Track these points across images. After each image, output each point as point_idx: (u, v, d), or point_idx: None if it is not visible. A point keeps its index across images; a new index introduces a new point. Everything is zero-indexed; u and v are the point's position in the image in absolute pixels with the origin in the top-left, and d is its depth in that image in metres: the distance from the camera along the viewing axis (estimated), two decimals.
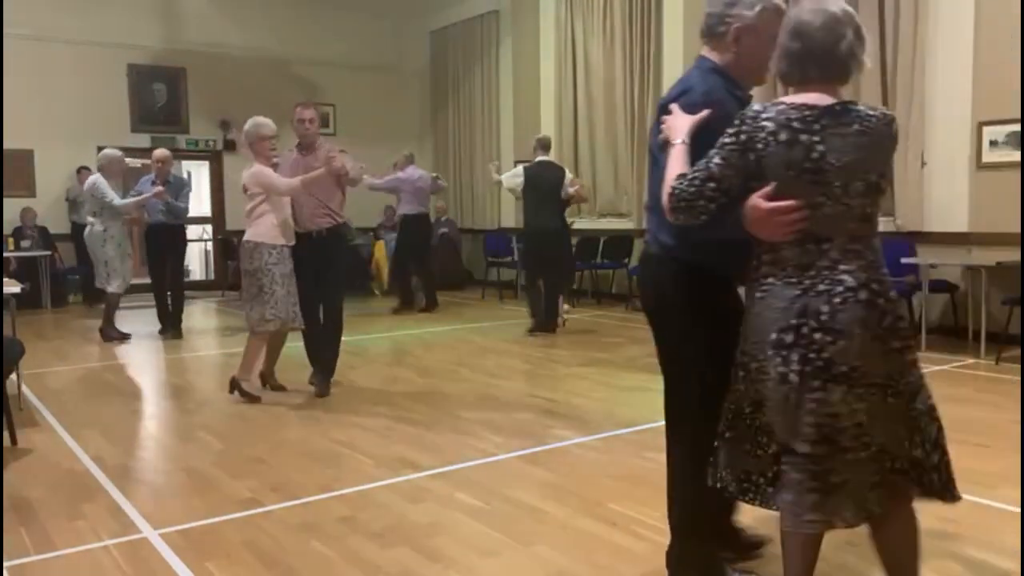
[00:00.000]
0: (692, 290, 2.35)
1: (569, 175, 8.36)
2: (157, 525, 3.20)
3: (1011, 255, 6.20)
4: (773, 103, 2.09)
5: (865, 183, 2.02)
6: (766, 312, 2.10)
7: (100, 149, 11.59)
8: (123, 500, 3.50)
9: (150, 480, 3.84)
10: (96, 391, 5.81)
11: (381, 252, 11.81)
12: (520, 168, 8.28)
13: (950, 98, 7.12)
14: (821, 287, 2.03)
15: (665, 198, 2.15)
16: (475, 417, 4.85)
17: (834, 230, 2.04)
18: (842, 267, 2.03)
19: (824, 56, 2.05)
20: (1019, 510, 3.17)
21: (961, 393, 5.31)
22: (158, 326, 8.28)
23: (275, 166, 5.34)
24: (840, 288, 2.02)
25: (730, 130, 2.09)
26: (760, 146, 2.05)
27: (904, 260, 6.93)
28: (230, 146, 12.41)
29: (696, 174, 2.12)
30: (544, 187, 7.98)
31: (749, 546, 2.77)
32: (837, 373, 2.01)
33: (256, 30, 12.36)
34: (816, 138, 2.01)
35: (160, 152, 8.15)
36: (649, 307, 2.55)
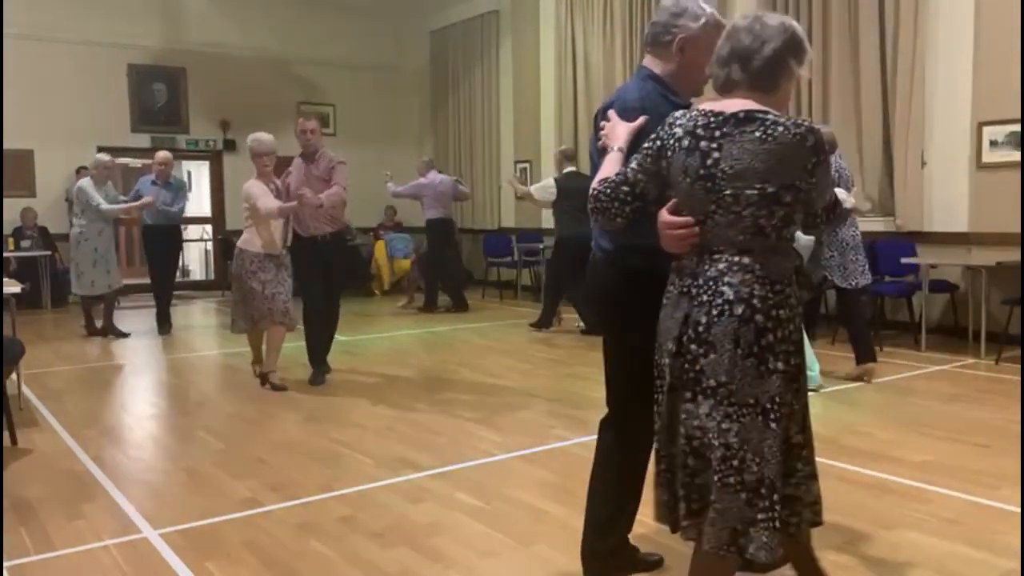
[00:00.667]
0: (628, 291, 2.37)
1: None
2: (157, 525, 3.20)
3: (1011, 255, 6.21)
4: (691, 109, 2.09)
5: (760, 193, 1.94)
6: (665, 321, 2.10)
7: (100, 149, 11.62)
8: (123, 500, 3.49)
9: (150, 480, 3.84)
10: (96, 391, 5.81)
11: (381, 252, 11.81)
12: (551, 180, 8.34)
13: (950, 98, 7.12)
14: (704, 298, 2.00)
15: (589, 201, 2.18)
16: (475, 417, 4.85)
17: (724, 241, 2.00)
18: (726, 279, 1.98)
19: (747, 59, 2.02)
20: (1019, 510, 3.17)
21: (961, 393, 5.31)
22: (158, 326, 8.30)
23: (287, 175, 5.80)
24: (719, 300, 1.97)
25: (652, 136, 2.11)
26: (669, 153, 2.05)
27: (904, 260, 6.93)
28: (230, 146, 12.40)
29: (614, 178, 2.14)
30: (577, 197, 8.03)
31: (646, 565, 2.77)
32: (706, 387, 1.99)
33: (256, 30, 12.35)
34: (714, 144, 1.98)
35: (162, 155, 8.22)
36: (594, 308, 2.68)
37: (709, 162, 1.97)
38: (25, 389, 5.57)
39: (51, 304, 10.53)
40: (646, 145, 2.11)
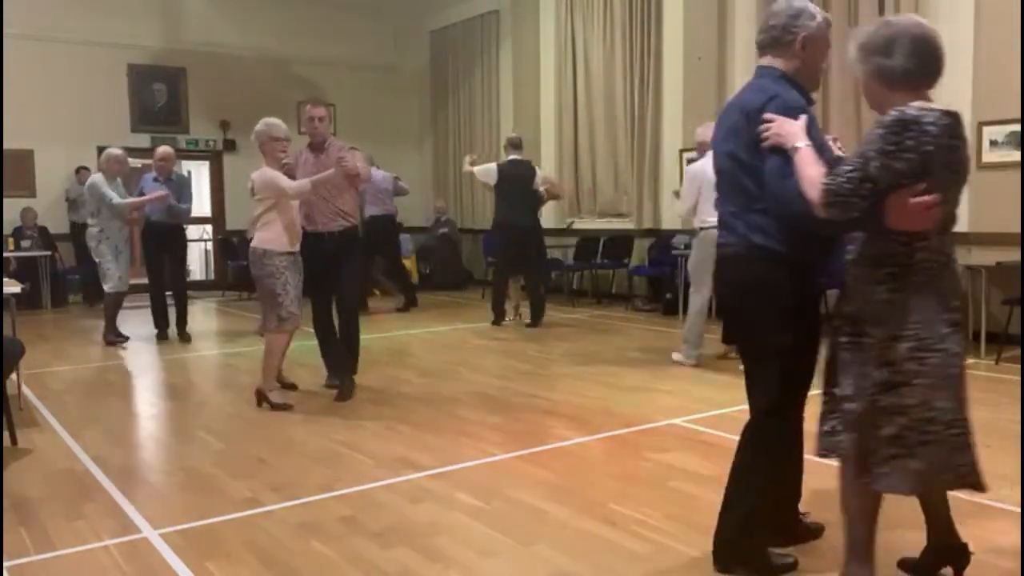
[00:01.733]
0: (781, 283, 2.53)
1: (540, 172, 8.69)
2: (157, 525, 3.19)
3: (1011, 255, 6.21)
4: (918, 109, 2.25)
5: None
6: (932, 296, 2.29)
7: (100, 149, 11.59)
8: (123, 500, 3.49)
9: (150, 480, 3.84)
10: (96, 391, 5.81)
11: None
12: (494, 165, 8.51)
13: (950, 98, 7.05)
14: (958, 268, 2.41)
15: (816, 194, 2.26)
16: (475, 417, 4.85)
17: (952, 220, 2.35)
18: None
19: (940, 65, 2.44)
20: (1019, 510, 3.17)
21: None
22: (155, 329, 8.00)
23: (286, 168, 5.11)
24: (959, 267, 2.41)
25: (892, 136, 2.21)
26: (929, 148, 2.20)
27: None
28: (230, 146, 12.41)
29: (852, 174, 2.22)
30: (516, 185, 8.29)
31: (808, 534, 2.89)
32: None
33: (256, 30, 12.35)
34: (960, 141, 2.30)
35: (163, 149, 7.97)
36: (733, 304, 2.78)
37: (963, 156, 2.30)
38: (25, 389, 5.57)
39: (51, 304, 10.54)
40: (890, 147, 2.20)
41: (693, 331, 6.27)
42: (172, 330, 8.01)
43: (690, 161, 7.07)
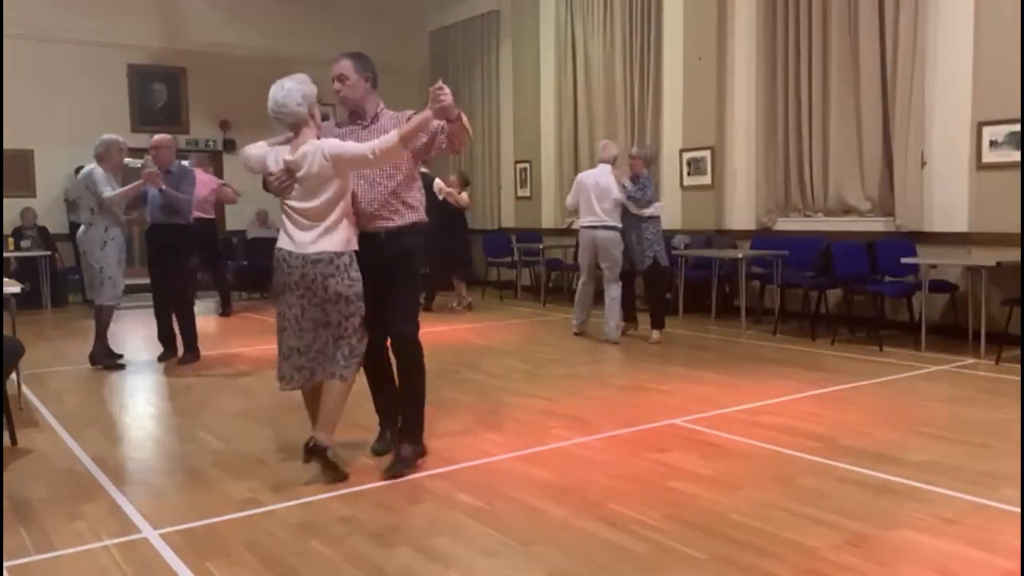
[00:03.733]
0: None
1: (438, 182, 9.50)
2: (157, 525, 3.19)
3: (1011, 255, 6.21)
4: None
5: None
6: None
7: None
8: (123, 500, 3.49)
9: (150, 480, 3.84)
10: (96, 391, 5.81)
11: None
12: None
13: (950, 98, 7.12)
14: None
15: None
16: (475, 417, 4.85)
17: None
18: None
19: None
20: (1019, 510, 3.17)
21: (961, 393, 5.31)
22: (156, 332, 6.99)
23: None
24: None
25: None
26: None
27: (904, 260, 6.93)
28: (230, 146, 12.40)
29: None
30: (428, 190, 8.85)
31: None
32: None
33: (256, 30, 12.35)
34: None
35: (158, 137, 6.91)
36: None
37: None
38: (25, 389, 5.57)
39: (51, 304, 10.54)
40: None
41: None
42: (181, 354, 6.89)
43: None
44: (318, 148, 3.61)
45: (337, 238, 3.62)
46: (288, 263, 3.63)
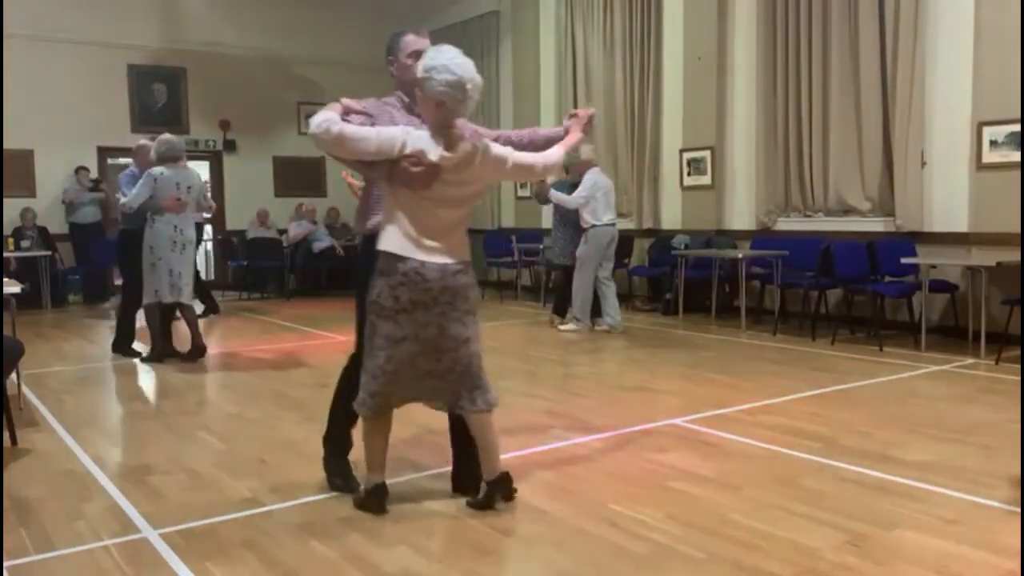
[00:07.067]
0: None
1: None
2: (157, 525, 3.19)
3: (1011, 255, 6.20)
4: None
5: None
6: None
7: (100, 149, 11.69)
8: (123, 500, 3.49)
9: (150, 480, 3.83)
10: (96, 391, 5.81)
11: None
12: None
13: (950, 98, 7.12)
14: None
15: None
16: None
17: None
18: None
19: None
20: (1019, 510, 3.17)
21: (961, 393, 5.31)
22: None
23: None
24: None
25: None
26: None
27: (904, 260, 6.93)
28: (230, 146, 12.41)
29: None
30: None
31: None
32: None
33: (256, 30, 12.35)
34: None
35: (139, 144, 7.03)
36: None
37: None
38: (25, 389, 5.57)
39: (51, 304, 10.53)
40: None
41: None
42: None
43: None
44: (481, 146, 3.11)
45: (467, 242, 3.20)
46: (424, 276, 3.03)
